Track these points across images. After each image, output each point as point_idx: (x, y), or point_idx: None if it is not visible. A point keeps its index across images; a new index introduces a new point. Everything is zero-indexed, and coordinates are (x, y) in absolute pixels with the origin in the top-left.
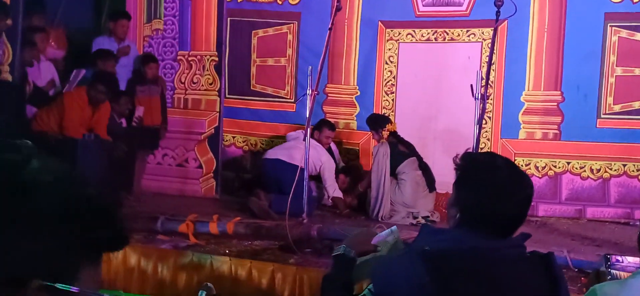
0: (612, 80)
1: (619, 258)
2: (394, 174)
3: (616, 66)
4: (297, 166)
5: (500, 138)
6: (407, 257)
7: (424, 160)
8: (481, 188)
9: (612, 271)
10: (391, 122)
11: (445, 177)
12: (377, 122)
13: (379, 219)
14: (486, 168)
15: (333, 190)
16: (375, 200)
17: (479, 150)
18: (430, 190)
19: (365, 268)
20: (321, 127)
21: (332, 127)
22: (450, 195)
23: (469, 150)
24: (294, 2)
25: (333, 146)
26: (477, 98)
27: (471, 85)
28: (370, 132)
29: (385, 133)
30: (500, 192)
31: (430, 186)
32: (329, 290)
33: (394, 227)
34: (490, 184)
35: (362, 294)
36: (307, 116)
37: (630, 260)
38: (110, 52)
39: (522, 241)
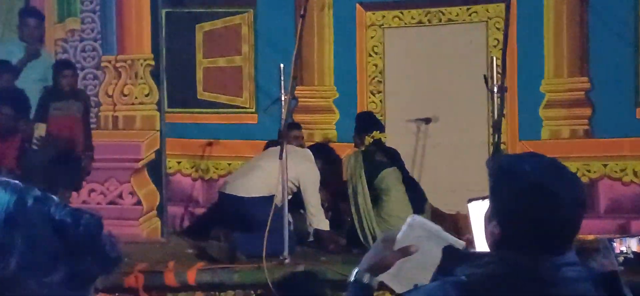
0: None
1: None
2: (373, 192)
3: None
4: (263, 197)
5: (519, 141)
6: (441, 290)
7: (410, 173)
8: (521, 194)
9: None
10: (381, 130)
11: (453, 194)
12: (365, 123)
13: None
14: (524, 169)
15: (318, 219)
16: (359, 221)
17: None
18: (416, 211)
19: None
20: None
21: (296, 125)
22: (486, 212)
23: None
24: None
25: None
26: (494, 92)
27: (484, 76)
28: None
29: (368, 140)
30: (545, 195)
31: (417, 206)
32: None
33: (410, 219)
34: (532, 188)
35: None
36: (282, 126)
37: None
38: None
39: (576, 257)
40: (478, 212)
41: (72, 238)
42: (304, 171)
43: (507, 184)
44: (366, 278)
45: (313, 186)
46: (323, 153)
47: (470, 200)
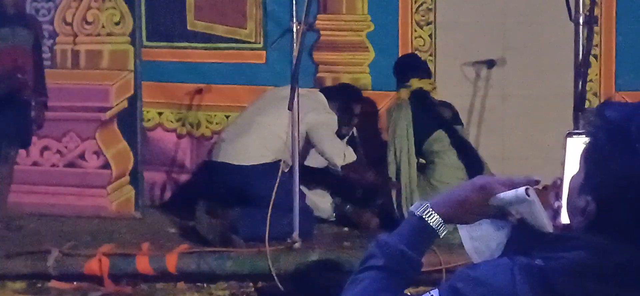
0: None
1: None
2: (420, 155)
3: None
4: (265, 164)
5: (616, 91)
6: (505, 272)
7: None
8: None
9: None
10: (421, 76)
11: (525, 162)
12: (402, 69)
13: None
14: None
15: (338, 155)
16: (397, 194)
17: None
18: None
19: None
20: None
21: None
22: (575, 178)
23: (609, 101)
24: None
25: None
26: (579, 22)
27: (567, 2)
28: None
29: (404, 92)
30: None
31: (473, 172)
32: (374, 259)
33: (522, 190)
34: None
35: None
36: (294, 67)
37: None
38: None
39: None
40: (576, 151)
41: None
42: (312, 120)
43: (621, 152)
44: (434, 221)
45: (327, 129)
46: (345, 96)
47: (570, 134)
